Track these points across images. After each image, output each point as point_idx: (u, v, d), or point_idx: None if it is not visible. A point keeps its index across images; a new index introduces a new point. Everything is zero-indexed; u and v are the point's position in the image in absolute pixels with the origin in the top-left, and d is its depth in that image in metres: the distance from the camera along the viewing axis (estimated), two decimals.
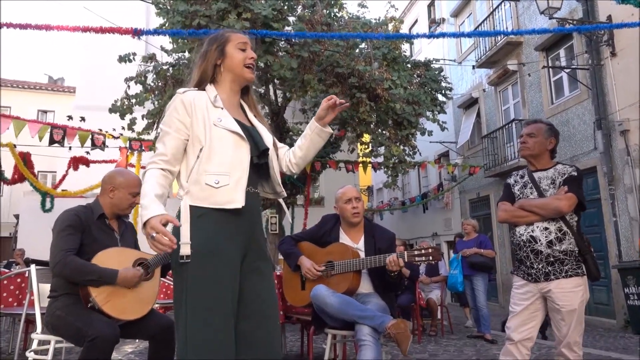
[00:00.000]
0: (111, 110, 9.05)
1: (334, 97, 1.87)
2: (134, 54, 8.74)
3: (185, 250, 1.65)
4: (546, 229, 2.56)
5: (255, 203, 1.83)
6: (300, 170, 2.01)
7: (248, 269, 1.77)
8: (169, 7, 8.23)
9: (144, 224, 1.59)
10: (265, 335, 1.74)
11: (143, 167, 9.29)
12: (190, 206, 1.70)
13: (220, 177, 1.71)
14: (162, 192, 1.71)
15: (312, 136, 1.92)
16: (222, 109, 1.81)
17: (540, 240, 2.56)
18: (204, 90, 1.86)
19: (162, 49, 9.10)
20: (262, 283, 1.79)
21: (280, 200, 1.97)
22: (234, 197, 1.70)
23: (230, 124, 1.77)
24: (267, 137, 1.89)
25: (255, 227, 1.82)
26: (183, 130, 1.77)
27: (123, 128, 9.04)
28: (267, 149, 1.85)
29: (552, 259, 2.53)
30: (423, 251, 2.80)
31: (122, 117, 9.02)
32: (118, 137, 8.44)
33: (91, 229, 2.55)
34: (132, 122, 9.09)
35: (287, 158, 1.97)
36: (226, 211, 1.70)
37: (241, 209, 1.71)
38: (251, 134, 1.83)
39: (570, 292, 2.49)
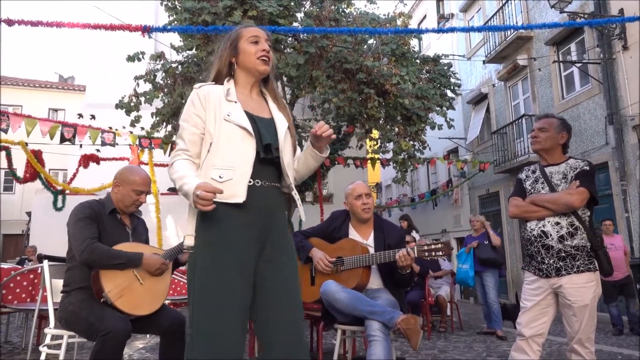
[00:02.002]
0: (117, 106, 9.12)
1: (318, 127, 1.83)
2: (143, 53, 8.78)
3: (189, 241, 1.70)
4: (557, 223, 2.54)
5: (270, 197, 1.82)
6: (298, 182, 2.00)
7: (265, 262, 1.78)
8: (177, 5, 8.27)
9: (192, 195, 1.63)
10: (282, 331, 1.74)
11: (156, 165, 9.41)
12: None
13: (225, 171, 1.73)
14: (197, 175, 1.76)
15: (306, 155, 1.93)
16: (235, 102, 1.82)
17: (551, 235, 2.54)
18: (221, 84, 1.88)
19: (172, 46, 9.14)
20: (279, 275, 1.79)
21: (295, 195, 1.94)
22: (237, 191, 1.72)
23: (239, 119, 1.78)
24: (282, 130, 1.87)
25: (272, 221, 1.82)
26: (200, 124, 1.81)
27: (131, 125, 9.09)
28: (270, 144, 1.81)
29: (563, 254, 2.51)
30: (432, 246, 2.79)
31: (128, 113, 9.08)
32: (127, 136, 8.49)
33: (104, 222, 2.57)
34: (137, 119, 9.14)
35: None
36: (232, 205, 1.71)
37: (249, 203, 1.72)
38: (259, 128, 1.81)
39: (582, 288, 2.46)
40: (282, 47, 8.15)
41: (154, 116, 9.55)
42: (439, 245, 2.78)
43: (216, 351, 1.60)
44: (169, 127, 9.97)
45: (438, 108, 9.69)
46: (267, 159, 1.80)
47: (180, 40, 8.96)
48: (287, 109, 1.99)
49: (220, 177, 1.72)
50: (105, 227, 2.57)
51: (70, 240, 2.49)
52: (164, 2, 8.67)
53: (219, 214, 1.70)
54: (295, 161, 1.96)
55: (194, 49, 8.46)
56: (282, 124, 1.88)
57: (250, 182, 1.76)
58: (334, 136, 1.86)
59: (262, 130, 1.81)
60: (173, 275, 4.19)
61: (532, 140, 2.74)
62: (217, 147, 1.76)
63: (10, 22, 5.22)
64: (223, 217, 1.71)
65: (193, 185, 1.64)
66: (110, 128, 8.35)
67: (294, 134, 1.95)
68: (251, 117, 1.81)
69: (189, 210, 1.73)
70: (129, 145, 8.67)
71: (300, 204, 1.97)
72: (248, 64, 1.88)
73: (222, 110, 1.79)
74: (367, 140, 10.42)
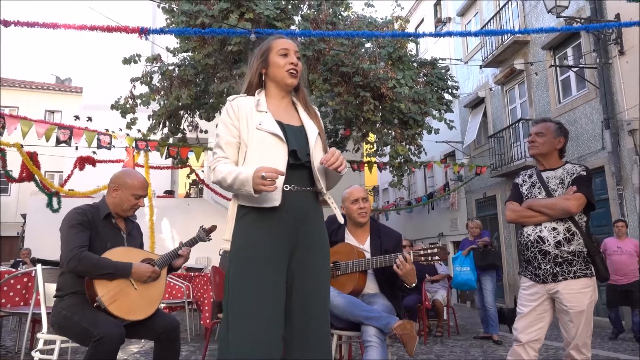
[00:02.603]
0: (113, 107, 9.08)
1: (325, 160, 1.84)
2: (139, 55, 8.75)
3: (225, 245, 1.82)
4: (554, 229, 2.53)
5: (302, 200, 1.86)
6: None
7: (297, 264, 1.83)
8: (174, 7, 8.25)
9: (252, 179, 1.70)
10: (312, 336, 1.79)
11: (151, 167, 9.35)
12: (238, 205, 1.84)
13: None
14: None
15: (326, 173, 1.95)
16: (265, 112, 1.88)
17: (548, 241, 2.53)
18: (253, 95, 1.95)
19: (168, 49, 9.12)
20: (309, 278, 1.84)
21: (329, 199, 1.97)
22: (271, 196, 1.78)
23: (270, 126, 1.84)
24: (312, 136, 1.91)
25: (305, 224, 1.85)
26: (235, 133, 1.88)
27: (127, 128, 9.06)
28: (295, 150, 1.85)
29: (560, 260, 2.50)
30: (429, 250, 2.77)
31: (124, 115, 9.05)
32: (123, 138, 8.46)
33: (98, 227, 2.54)
34: (133, 121, 9.12)
35: None
36: (266, 209, 1.78)
37: (282, 207, 1.78)
38: (287, 136, 1.85)
39: (579, 293, 2.45)
40: None
41: (151, 119, 9.53)
42: (435, 250, 2.76)
43: (252, 353, 1.65)
44: (165, 130, 9.95)
45: (435, 112, 9.68)
46: (297, 164, 1.85)
47: (177, 43, 8.94)
48: (318, 117, 2.05)
49: None
50: (100, 232, 2.54)
51: (61, 247, 2.47)
52: (161, 5, 8.66)
53: (253, 219, 1.78)
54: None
55: (191, 51, 8.44)
56: (312, 131, 1.93)
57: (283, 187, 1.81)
58: (341, 168, 1.86)
59: (291, 137, 1.86)
60: (168, 279, 4.15)
61: (530, 145, 2.73)
62: (251, 154, 1.83)
63: (6, 23, 5.20)
64: (257, 223, 1.79)
65: (251, 171, 1.70)
66: (107, 130, 8.32)
67: (324, 140, 2.00)
68: (281, 125, 1.87)
69: (228, 215, 1.83)
70: (125, 147, 8.64)
71: (335, 206, 2.01)
72: (277, 76, 1.95)
73: (254, 120, 1.86)
74: (364, 143, 10.42)
